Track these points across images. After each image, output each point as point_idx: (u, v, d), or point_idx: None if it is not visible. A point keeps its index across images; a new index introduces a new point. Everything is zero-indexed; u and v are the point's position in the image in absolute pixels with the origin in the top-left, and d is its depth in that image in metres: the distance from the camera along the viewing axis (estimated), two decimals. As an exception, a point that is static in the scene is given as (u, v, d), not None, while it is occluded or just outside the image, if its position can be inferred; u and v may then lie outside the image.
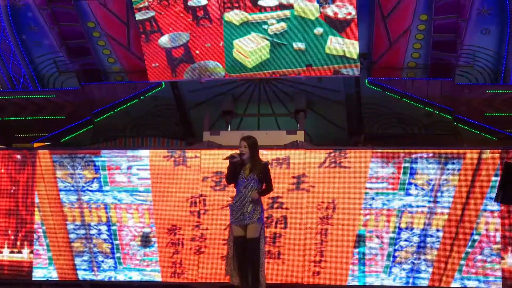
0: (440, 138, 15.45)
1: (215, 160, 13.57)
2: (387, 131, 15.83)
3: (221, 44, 14.78)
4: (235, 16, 14.56)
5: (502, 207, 13.10)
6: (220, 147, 14.09)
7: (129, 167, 14.00)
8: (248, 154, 10.07)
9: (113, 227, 13.94)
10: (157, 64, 15.12)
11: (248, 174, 10.02)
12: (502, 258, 13.15)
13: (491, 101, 15.14)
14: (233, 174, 10.13)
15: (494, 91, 15.07)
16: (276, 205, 13.52)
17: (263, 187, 10.20)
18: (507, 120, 15.15)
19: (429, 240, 13.23)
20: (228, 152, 10.40)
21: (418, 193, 13.32)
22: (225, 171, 10.35)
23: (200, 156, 13.84)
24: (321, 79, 15.16)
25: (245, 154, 10.08)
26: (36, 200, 14.17)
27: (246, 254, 9.99)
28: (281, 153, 13.72)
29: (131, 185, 13.97)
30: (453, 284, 13.13)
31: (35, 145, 15.98)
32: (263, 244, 10.27)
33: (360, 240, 13.36)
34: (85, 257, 13.97)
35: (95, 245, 13.98)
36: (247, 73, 14.88)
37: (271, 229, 13.45)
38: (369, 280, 13.31)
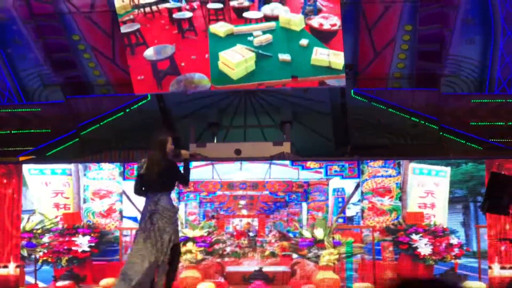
0: (426, 148, 15.46)
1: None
2: (373, 141, 15.84)
3: (206, 56, 14.78)
4: (220, 28, 14.57)
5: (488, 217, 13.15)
6: (206, 158, 14.07)
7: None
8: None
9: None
10: (142, 77, 15.10)
11: None
12: (489, 268, 13.18)
13: (476, 110, 15.18)
14: None
15: (479, 100, 15.11)
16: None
17: None
18: (492, 130, 15.18)
19: None
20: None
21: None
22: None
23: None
24: (307, 90, 15.17)
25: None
26: (23, 214, 14.13)
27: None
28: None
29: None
30: None
31: (21, 158, 15.91)
32: None
33: None
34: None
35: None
36: (232, 85, 14.88)
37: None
38: None
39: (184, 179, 9.83)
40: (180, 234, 13.57)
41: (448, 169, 13.62)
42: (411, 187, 13.65)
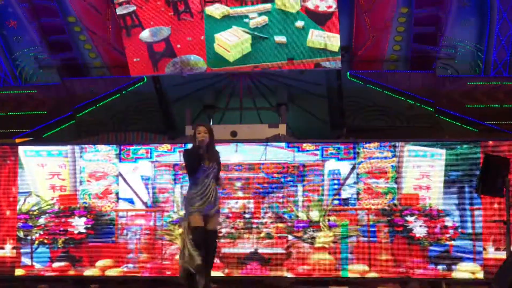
0: (422, 130, 15.49)
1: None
2: (369, 123, 15.86)
3: (202, 38, 14.76)
4: (216, 10, 14.55)
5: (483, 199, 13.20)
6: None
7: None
8: (207, 140, 9.72)
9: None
10: (138, 59, 15.09)
11: (209, 163, 9.72)
12: (484, 249, 13.24)
13: (472, 93, 15.20)
14: (198, 165, 9.77)
15: (475, 82, 15.13)
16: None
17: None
18: (488, 112, 15.22)
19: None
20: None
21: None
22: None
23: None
24: (303, 72, 15.16)
25: (205, 140, 9.70)
26: (19, 196, 14.18)
27: (208, 245, 9.76)
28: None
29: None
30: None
31: (17, 140, 15.93)
32: None
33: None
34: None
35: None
36: (228, 67, 14.87)
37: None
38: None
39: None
40: (176, 216, 13.74)
41: (443, 151, 13.63)
42: (406, 169, 13.67)
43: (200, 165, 9.72)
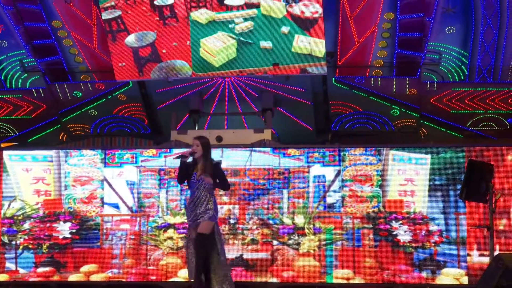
0: (407, 136, 15.52)
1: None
2: (354, 129, 15.88)
3: (188, 43, 14.76)
4: (201, 15, 14.55)
5: (467, 205, 13.26)
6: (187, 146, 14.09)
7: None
8: (200, 154, 9.93)
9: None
10: (124, 64, 15.06)
11: (200, 176, 9.89)
12: (468, 255, 13.29)
13: (456, 98, 15.24)
14: (183, 174, 10.03)
15: (459, 88, 15.18)
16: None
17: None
18: (472, 118, 15.27)
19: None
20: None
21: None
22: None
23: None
24: (289, 78, 15.18)
25: (197, 153, 9.93)
26: (3, 200, 14.14)
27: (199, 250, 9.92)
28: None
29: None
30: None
31: (3, 145, 15.89)
32: (221, 243, 10.21)
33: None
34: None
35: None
36: (214, 72, 14.87)
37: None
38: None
39: None
40: (161, 221, 13.75)
41: (428, 157, 13.71)
42: (391, 174, 13.73)
43: (183, 170, 10.02)
